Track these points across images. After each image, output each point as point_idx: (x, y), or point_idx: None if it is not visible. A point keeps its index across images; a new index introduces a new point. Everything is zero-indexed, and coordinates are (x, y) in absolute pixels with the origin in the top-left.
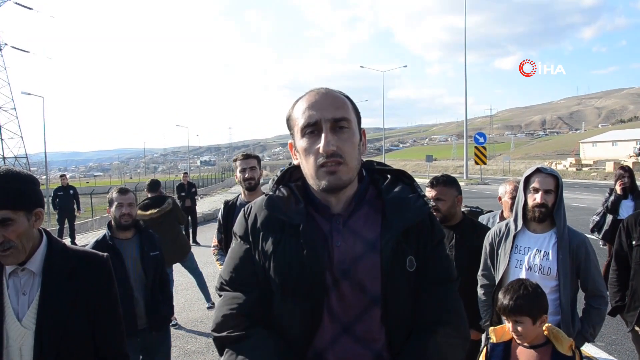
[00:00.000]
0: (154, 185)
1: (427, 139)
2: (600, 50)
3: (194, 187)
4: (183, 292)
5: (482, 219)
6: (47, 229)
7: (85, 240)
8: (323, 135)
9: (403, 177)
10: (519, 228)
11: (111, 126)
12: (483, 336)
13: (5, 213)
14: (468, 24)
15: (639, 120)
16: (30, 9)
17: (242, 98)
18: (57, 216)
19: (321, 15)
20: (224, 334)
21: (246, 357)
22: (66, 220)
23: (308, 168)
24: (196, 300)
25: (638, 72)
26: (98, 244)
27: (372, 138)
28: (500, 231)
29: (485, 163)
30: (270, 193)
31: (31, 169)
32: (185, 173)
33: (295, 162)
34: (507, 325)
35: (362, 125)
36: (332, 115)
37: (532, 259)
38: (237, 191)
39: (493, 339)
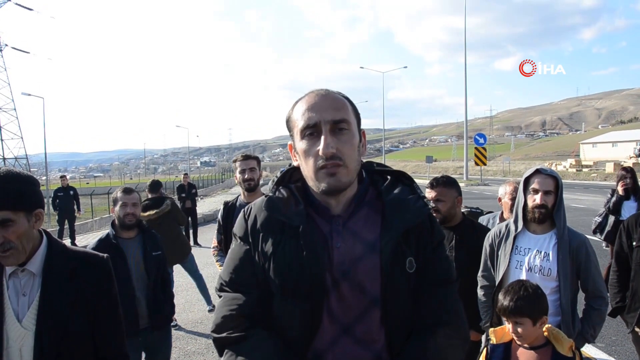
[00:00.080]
0: (155, 186)
1: (427, 140)
2: (600, 51)
3: (194, 188)
4: (183, 293)
5: (482, 219)
6: (47, 230)
7: (86, 241)
8: (322, 138)
9: (403, 178)
10: (519, 229)
11: (111, 127)
12: (483, 337)
13: (5, 214)
14: (468, 24)
15: (639, 121)
16: (30, 9)
17: (242, 98)
18: (57, 217)
19: (321, 16)
20: (224, 334)
21: (246, 358)
22: (66, 221)
23: (308, 170)
24: (196, 301)
25: (638, 73)
26: (101, 242)
27: (372, 139)
28: (500, 232)
29: (485, 164)
30: (270, 194)
31: (31, 169)
32: (186, 174)
33: (295, 164)
34: (507, 326)
35: (362, 126)
36: (331, 117)
37: (533, 260)
38: (237, 192)
39: (493, 340)
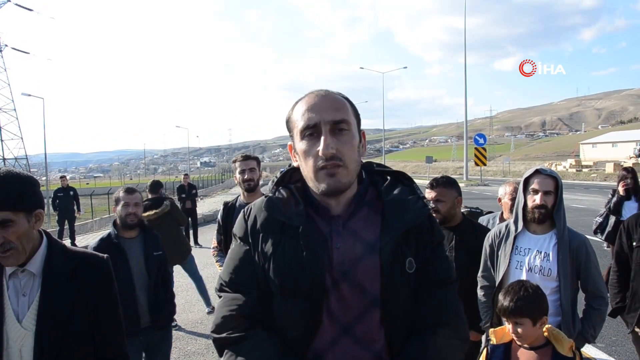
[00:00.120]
0: (155, 186)
1: (427, 140)
2: (600, 52)
3: (194, 189)
4: (183, 293)
5: (482, 220)
6: (47, 230)
7: (85, 241)
8: (322, 138)
9: (402, 179)
10: (519, 229)
11: (111, 127)
12: (483, 337)
13: (5, 214)
14: (468, 24)
15: (638, 121)
16: (30, 10)
17: (242, 98)
18: (57, 217)
19: (321, 15)
20: (224, 335)
21: (246, 358)
22: (66, 222)
23: (307, 170)
24: (196, 301)
25: (638, 74)
26: (103, 242)
27: (372, 139)
28: (500, 232)
29: (485, 164)
30: (270, 194)
31: (31, 170)
32: (186, 174)
33: (294, 164)
34: (507, 326)
35: (362, 127)
36: (331, 117)
37: (533, 260)
38: (238, 192)
39: (493, 341)
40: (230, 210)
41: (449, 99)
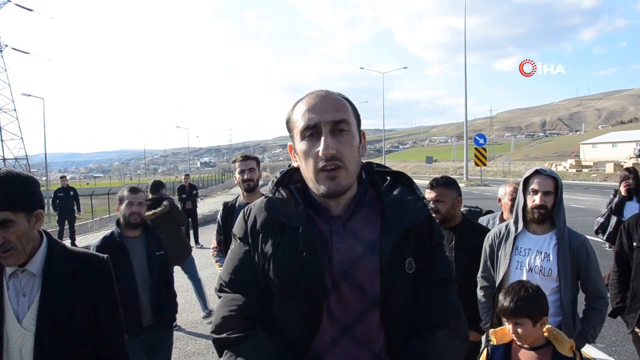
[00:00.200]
0: (156, 186)
1: (427, 141)
2: (600, 52)
3: (195, 189)
4: (183, 293)
5: (482, 220)
6: (47, 231)
7: (86, 241)
8: (323, 139)
9: (402, 179)
10: (519, 229)
11: (111, 127)
12: (483, 338)
13: (5, 214)
14: (468, 25)
15: (639, 121)
16: (30, 10)
17: (242, 98)
18: (57, 217)
19: (321, 16)
20: (224, 335)
21: (245, 358)
22: (66, 222)
23: (307, 171)
24: (196, 302)
25: (638, 74)
26: (106, 240)
27: (372, 139)
28: (500, 233)
29: (485, 164)
30: (270, 195)
31: (31, 170)
32: (187, 175)
33: (294, 164)
34: (508, 327)
35: (362, 127)
36: (331, 117)
37: (533, 261)
38: (238, 192)
39: (493, 341)
40: (230, 210)
41: (449, 99)
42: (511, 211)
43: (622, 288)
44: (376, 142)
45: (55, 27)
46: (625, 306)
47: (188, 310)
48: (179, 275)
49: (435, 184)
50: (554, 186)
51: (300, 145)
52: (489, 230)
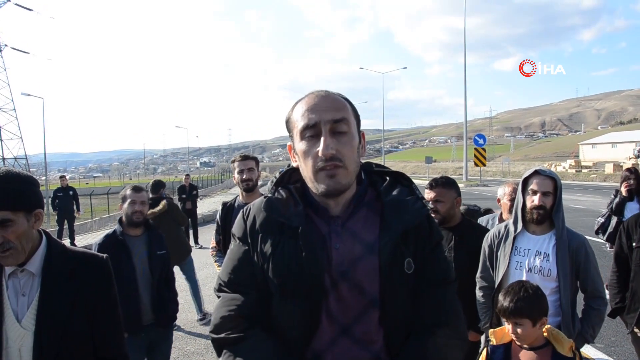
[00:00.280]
0: (156, 186)
1: (426, 141)
2: (600, 52)
3: (195, 189)
4: (182, 293)
5: (482, 220)
6: (47, 230)
7: (85, 241)
8: (322, 139)
9: (401, 179)
10: (518, 230)
11: (111, 127)
12: (482, 338)
13: (5, 214)
14: (468, 25)
15: (638, 122)
16: (30, 10)
17: (241, 98)
18: (56, 217)
19: (321, 16)
20: (222, 335)
21: (244, 358)
22: (65, 221)
23: (307, 171)
24: None
25: (638, 74)
26: (108, 238)
27: (372, 139)
28: (499, 233)
29: (484, 165)
30: (269, 195)
31: (31, 169)
32: (187, 175)
33: (294, 164)
34: (507, 327)
35: (362, 127)
36: (331, 117)
37: (532, 261)
38: (237, 192)
39: (493, 341)
40: (229, 210)
41: (449, 99)
42: (510, 211)
43: (621, 288)
44: (376, 142)
45: (55, 27)
46: (625, 306)
47: (187, 310)
48: (178, 276)
49: (434, 184)
50: (553, 187)
51: (300, 145)
52: (488, 230)
